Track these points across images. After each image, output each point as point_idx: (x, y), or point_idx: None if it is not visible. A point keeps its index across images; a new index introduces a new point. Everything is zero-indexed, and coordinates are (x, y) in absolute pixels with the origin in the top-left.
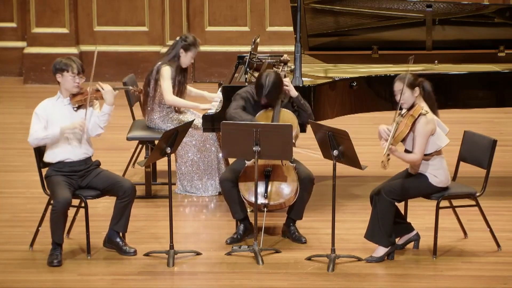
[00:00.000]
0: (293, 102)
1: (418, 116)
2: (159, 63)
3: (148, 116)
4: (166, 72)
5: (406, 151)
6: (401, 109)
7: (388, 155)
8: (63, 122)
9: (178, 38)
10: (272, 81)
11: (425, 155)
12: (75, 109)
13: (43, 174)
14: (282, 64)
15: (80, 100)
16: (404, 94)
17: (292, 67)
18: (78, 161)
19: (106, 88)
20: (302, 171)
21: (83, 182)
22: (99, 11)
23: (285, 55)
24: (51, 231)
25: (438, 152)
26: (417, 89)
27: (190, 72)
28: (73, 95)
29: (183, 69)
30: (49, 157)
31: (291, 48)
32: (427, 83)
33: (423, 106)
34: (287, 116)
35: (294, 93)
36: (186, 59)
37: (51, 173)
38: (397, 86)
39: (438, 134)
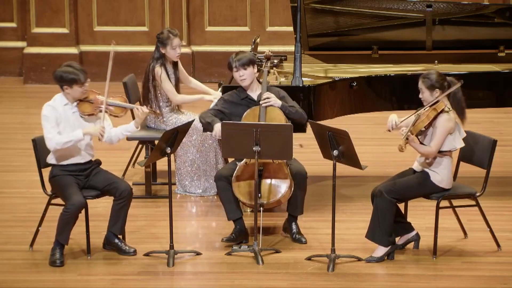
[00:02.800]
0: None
1: (441, 112)
2: (151, 65)
3: (150, 117)
4: (163, 75)
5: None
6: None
7: (407, 139)
8: (74, 129)
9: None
10: (242, 53)
11: (439, 152)
12: (83, 117)
13: (45, 173)
14: (265, 60)
15: (90, 113)
16: (423, 94)
17: (275, 62)
18: (84, 162)
19: (143, 113)
20: (294, 167)
21: (87, 183)
22: (99, 11)
23: (267, 51)
24: (58, 232)
25: (449, 153)
26: (437, 91)
27: (190, 72)
28: (80, 101)
29: (174, 64)
30: (56, 160)
31: (291, 48)
32: (459, 92)
33: (446, 104)
34: (274, 113)
35: (277, 103)
36: (170, 53)
37: (58, 173)
38: (419, 84)
39: (456, 136)
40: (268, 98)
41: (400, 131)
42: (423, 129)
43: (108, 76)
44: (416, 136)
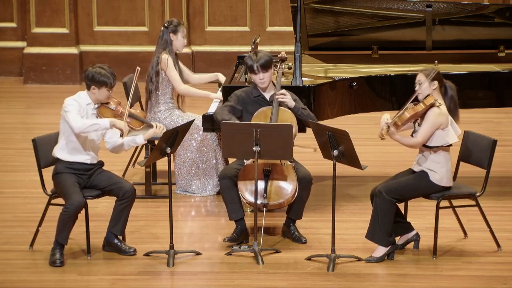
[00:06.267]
0: (292, 111)
1: (431, 106)
2: (156, 55)
3: (151, 113)
4: (169, 61)
5: None
6: (416, 100)
7: (388, 127)
8: None
9: (162, 28)
10: (260, 53)
11: (430, 147)
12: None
13: (45, 173)
14: (280, 61)
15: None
16: (422, 85)
17: (290, 64)
18: (90, 163)
19: (160, 130)
20: (300, 170)
21: (89, 183)
22: (99, 11)
23: (283, 53)
24: (57, 232)
25: (444, 149)
26: (435, 83)
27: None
28: (102, 105)
29: (176, 56)
30: (64, 155)
31: (291, 48)
32: (451, 86)
33: (437, 99)
34: (286, 115)
35: (291, 104)
36: (178, 42)
37: (62, 170)
38: (418, 77)
39: (448, 131)
40: (284, 94)
41: (385, 120)
42: (418, 122)
43: (132, 90)
44: (413, 133)
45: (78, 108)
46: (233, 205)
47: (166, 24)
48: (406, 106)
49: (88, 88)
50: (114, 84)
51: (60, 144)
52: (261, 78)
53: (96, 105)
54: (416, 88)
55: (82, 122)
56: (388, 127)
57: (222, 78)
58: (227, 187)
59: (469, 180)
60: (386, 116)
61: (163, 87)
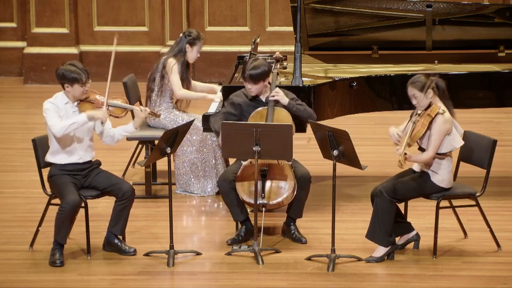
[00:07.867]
0: (288, 109)
1: (436, 116)
2: (164, 57)
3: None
4: (175, 66)
5: (421, 149)
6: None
7: (405, 154)
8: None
9: (181, 34)
10: (258, 62)
11: (439, 154)
12: None
13: (45, 173)
14: (275, 62)
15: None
16: (417, 99)
17: (285, 64)
18: (83, 162)
19: (144, 112)
20: (299, 169)
21: (86, 182)
22: (99, 11)
23: (277, 53)
24: (55, 232)
25: (449, 153)
26: (430, 91)
27: (190, 72)
28: (81, 101)
29: (187, 66)
30: (55, 159)
31: (291, 48)
32: (440, 81)
33: (440, 106)
34: (282, 115)
35: (285, 101)
36: (192, 54)
37: (56, 172)
38: (409, 91)
39: (454, 135)
40: (276, 92)
41: (396, 149)
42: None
43: (109, 76)
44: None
45: (55, 111)
46: (235, 208)
47: (186, 34)
48: (412, 125)
49: (63, 87)
50: (86, 79)
51: (51, 148)
52: (249, 88)
53: (76, 103)
54: (414, 103)
55: (60, 126)
56: (405, 154)
57: (210, 96)
58: (226, 191)
59: (469, 180)
60: (394, 130)
61: (164, 88)
